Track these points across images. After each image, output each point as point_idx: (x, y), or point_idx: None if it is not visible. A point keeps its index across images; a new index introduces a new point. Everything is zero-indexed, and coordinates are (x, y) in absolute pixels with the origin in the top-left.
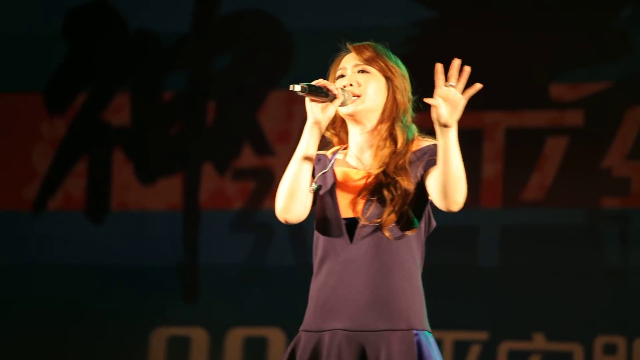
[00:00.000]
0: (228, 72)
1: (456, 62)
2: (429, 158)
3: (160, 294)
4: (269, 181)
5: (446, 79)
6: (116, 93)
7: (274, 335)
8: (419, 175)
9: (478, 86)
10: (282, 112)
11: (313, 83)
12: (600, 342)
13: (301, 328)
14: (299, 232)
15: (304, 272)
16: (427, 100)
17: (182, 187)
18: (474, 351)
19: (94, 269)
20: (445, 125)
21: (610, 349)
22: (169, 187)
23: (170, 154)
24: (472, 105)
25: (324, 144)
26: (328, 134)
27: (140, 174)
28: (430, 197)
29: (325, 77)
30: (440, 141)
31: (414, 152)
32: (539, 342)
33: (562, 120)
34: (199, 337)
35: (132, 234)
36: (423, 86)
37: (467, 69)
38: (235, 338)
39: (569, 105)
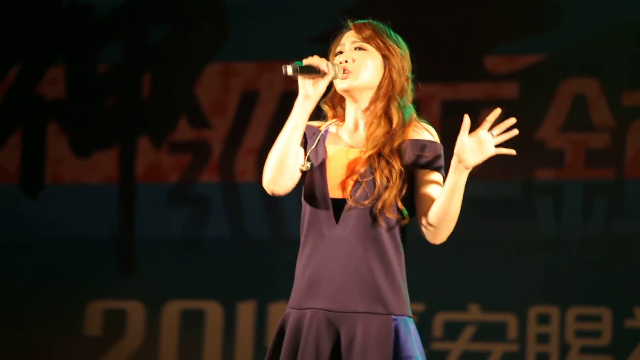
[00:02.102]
0: (164, 44)
1: (498, 112)
2: (426, 159)
3: (96, 267)
4: (205, 154)
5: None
6: (50, 66)
7: (211, 308)
8: (411, 164)
9: (508, 151)
10: (218, 84)
11: (303, 61)
12: (534, 312)
13: (288, 305)
14: (236, 205)
15: (240, 244)
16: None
17: (118, 161)
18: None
19: (29, 242)
20: (466, 167)
21: (543, 319)
22: (105, 161)
23: (105, 127)
24: None
25: (319, 115)
26: (325, 107)
27: (76, 147)
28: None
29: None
30: (452, 178)
31: (411, 140)
32: (474, 313)
33: (497, 93)
34: (135, 310)
35: (67, 208)
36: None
37: (511, 122)
38: (172, 311)
39: (504, 77)
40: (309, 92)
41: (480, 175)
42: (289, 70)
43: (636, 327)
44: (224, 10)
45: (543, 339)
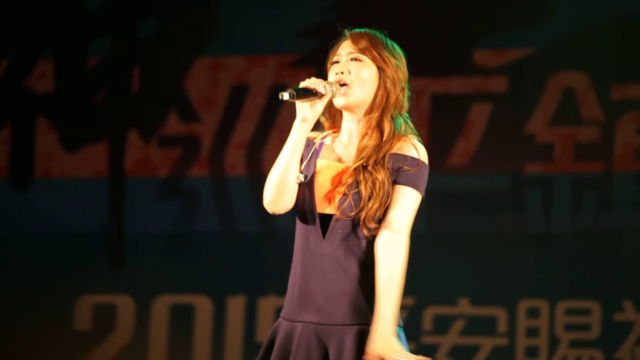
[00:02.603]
0: (153, 38)
1: None
2: (403, 173)
3: (86, 261)
4: (195, 148)
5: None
6: (39, 59)
7: (201, 302)
8: (392, 177)
9: None
10: (207, 78)
11: (300, 85)
12: (523, 306)
13: (281, 314)
14: (225, 199)
15: (230, 238)
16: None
17: (107, 155)
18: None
19: (19, 236)
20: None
21: (533, 313)
22: (94, 155)
23: (95, 121)
24: None
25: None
26: (322, 118)
27: (65, 141)
28: None
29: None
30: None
31: (393, 154)
32: (463, 307)
33: (487, 87)
34: (125, 304)
35: (56, 202)
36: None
37: None
38: (162, 305)
39: (493, 71)
40: (306, 115)
41: (469, 169)
42: (286, 96)
43: (625, 321)
44: (213, 4)
45: (532, 332)
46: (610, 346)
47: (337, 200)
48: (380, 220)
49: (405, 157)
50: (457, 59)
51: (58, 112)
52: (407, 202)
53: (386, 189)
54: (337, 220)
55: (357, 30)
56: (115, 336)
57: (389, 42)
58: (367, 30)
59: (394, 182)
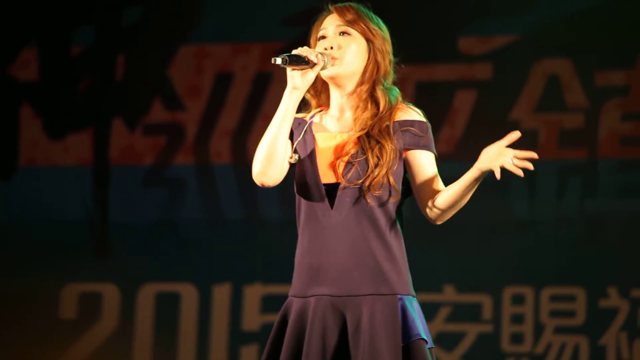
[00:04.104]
0: (137, 26)
1: (517, 135)
2: (416, 138)
3: (71, 250)
4: (179, 136)
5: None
6: (23, 47)
7: (186, 291)
8: (401, 144)
9: (516, 171)
10: (192, 66)
11: (293, 52)
12: (508, 292)
13: (290, 293)
14: (210, 187)
15: (216, 226)
16: (510, 164)
17: (92, 143)
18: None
19: (3, 225)
20: (478, 167)
21: (518, 299)
22: (79, 143)
23: (79, 109)
24: None
25: (303, 105)
26: (308, 96)
27: (49, 129)
28: (414, 197)
29: (304, 41)
30: (469, 176)
31: (400, 121)
32: (449, 294)
33: (471, 74)
34: (110, 292)
35: (41, 190)
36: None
37: (533, 156)
38: (147, 293)
39: (478, 58)
40: (297, 83)
41: (454, 155)
42: (278, 60)
43: (610, 307)
44: None
45: (517, 319)
46: (595, 332)
47: (341, 170)
48: (388, 191)
49: (412, 122)
50: (441, 46)
51: (42, 100)
52: (434, 166)
53: (393, 156)
54: (344, 188)
55: (342, 4)
56: (100, 325)
57: (373, 15)
58: (352, 3)
59: (409, 147)
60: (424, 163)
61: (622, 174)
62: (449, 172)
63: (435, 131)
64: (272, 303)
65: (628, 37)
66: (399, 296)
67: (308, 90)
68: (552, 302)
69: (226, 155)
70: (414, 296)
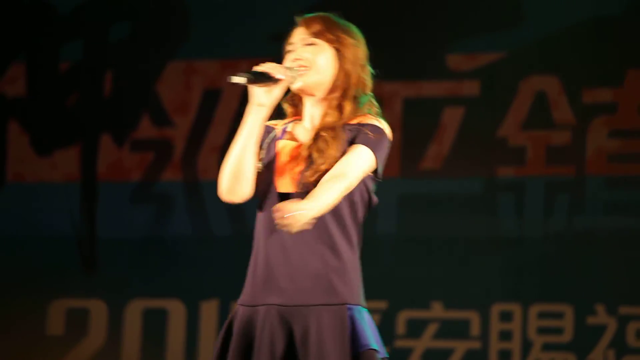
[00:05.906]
0: (125, 42)
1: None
2: (360, 133)
3: (59, 266)
4: (167, 152)
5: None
6: (11, 63)
7: (174, 307)
8: (348, 141)
9: None
10: (180, 82)
11: (256, 69)
12: (496, 309)
13: (238, 302)
14: (198, 203)
15: (203, 242)
16: None
17: (80, 159)
18: (373, 320)
19: None
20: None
21: (506, 316)
22: (66, 159)
23: (67, 125)
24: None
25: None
26: (285, 105)
27: (37, 145)
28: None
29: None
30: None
31: (353, 124)
32: (437, 310)
33: (459, 91)
34: (98, 309)
35: (28, 206)
36: None
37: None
38: (135, 310)
39: (466, 75)
40: (261, 100)
41: (441, 172)
42: (241, 79)
43: (598, 324)
44: (186, 8)
45: (505, 336)
46: (583, 349)
47: (295, 177)
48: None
49: (366, 125)
50: (429, 63)
51: (30, 116)
52: (355, 156)
53: (338, 154)
54: (297, 197)
55: (308, 15)
56: (88, 341)
57: (342, 22)
58: (320, 13)
59: (352, 142)
60: (348, 153)
61: (609, 191)
62: (437, 188)
63: (422, 148)
64: None
65: (615, 54)
66: (348, 306)
67: (286, 100)
68: (540, 319)
69: (214, 172)
70: (364, 307)
